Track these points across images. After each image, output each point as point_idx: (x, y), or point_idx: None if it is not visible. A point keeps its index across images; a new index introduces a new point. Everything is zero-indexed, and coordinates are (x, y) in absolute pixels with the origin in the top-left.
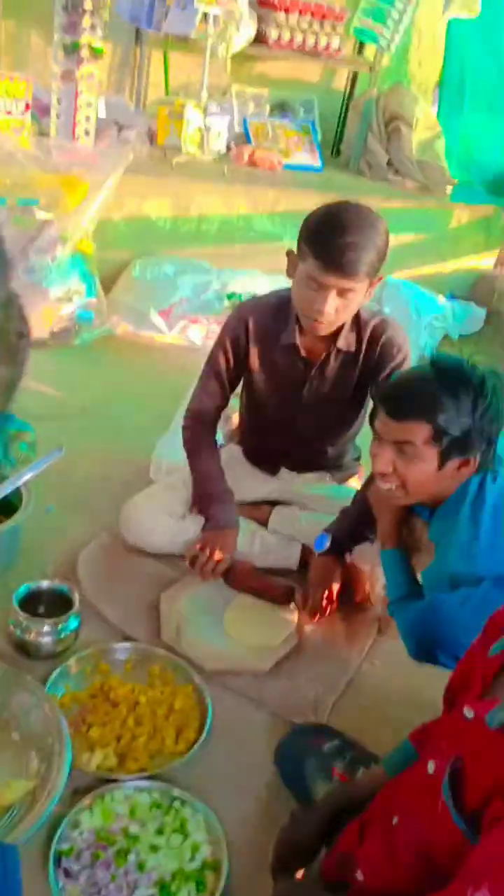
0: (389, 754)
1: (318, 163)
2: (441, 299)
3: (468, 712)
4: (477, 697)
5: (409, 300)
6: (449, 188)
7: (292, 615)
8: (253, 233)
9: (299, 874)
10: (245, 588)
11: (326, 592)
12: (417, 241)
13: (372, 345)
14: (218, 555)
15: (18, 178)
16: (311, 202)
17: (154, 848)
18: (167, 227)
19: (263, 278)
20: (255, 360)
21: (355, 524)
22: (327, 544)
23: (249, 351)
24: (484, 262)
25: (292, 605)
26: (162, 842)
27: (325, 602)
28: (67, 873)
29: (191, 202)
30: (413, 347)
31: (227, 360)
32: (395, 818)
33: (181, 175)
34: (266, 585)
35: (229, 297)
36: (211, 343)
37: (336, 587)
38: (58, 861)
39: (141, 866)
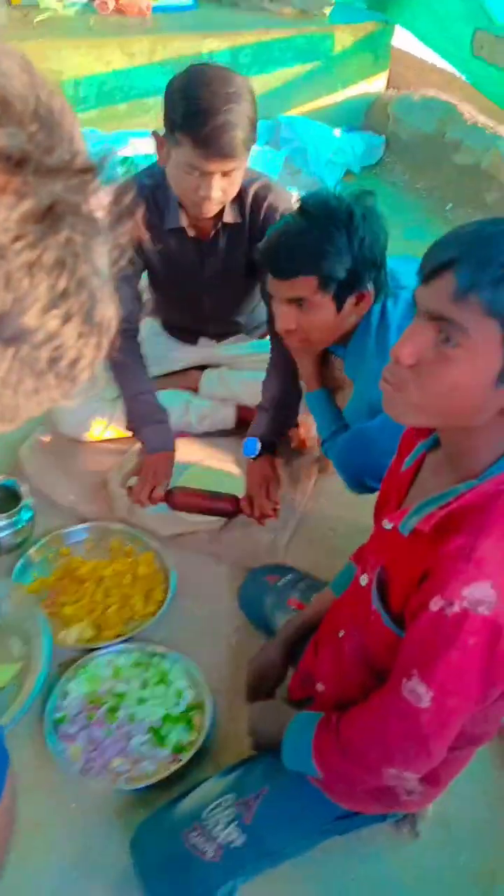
0: (335, 577)
1: (189, 0)
2: (337, 133)
3: (386, 524)
4: (394, 510)
5: (304, 139)
6: (327, 9)
7: (240, 477)
8: (134, 89)
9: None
10: (188, 509)
11: (268, 494)
12: (304, 73)
13: (255, 212)
14: (154, 481)
15: None
16: (189, 46)
17: (141, 700)
18: None
19: None
20: (147, 248)
21: (276, 418)
22: (258, 448)
23: (142, 239)
24: (375, 84)
25: (241, 517)
26: (147, 694)
27: (270, 504)
28: (67, 738)
29: (62, 64)
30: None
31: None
32: (340, 631)
33: (45, 35)
34: (209, 503)
35: (123, 161)
36: None
37: (276, 487)
38: (56, 729)
39: (131, 718)
